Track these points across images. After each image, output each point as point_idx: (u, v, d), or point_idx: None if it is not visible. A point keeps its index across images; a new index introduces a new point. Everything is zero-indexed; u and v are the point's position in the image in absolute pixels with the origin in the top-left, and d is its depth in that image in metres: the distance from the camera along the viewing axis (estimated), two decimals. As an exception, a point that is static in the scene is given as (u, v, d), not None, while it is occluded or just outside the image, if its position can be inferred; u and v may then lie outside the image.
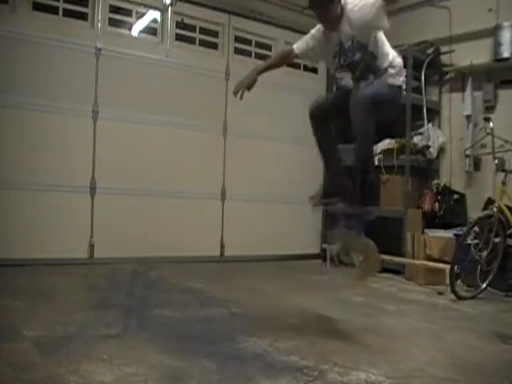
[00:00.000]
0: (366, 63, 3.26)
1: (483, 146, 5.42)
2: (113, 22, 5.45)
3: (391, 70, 3.29)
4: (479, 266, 4.56)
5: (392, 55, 3.31)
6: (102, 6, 5.30)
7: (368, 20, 3.13)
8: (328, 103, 3.61)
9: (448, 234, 5.25)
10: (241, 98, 3.41)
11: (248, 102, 6.13)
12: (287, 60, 3.73)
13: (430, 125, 5.95)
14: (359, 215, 3.20)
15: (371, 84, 3.22)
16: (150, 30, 5.72)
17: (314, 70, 6.91)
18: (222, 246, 6.07)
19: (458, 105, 5.95)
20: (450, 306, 4.21)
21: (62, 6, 5.14)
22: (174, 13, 5.67)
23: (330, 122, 3.53)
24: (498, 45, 5.46)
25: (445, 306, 4.20)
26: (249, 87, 3.43)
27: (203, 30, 6.02)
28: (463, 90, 5.91)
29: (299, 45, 3.46)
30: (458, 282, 4.65)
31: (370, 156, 3.34)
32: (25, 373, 2.19)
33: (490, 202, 4.99)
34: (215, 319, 3.34)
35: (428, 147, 5.84)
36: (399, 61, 3.34)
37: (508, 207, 4.60)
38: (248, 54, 6.38)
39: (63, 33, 5.09)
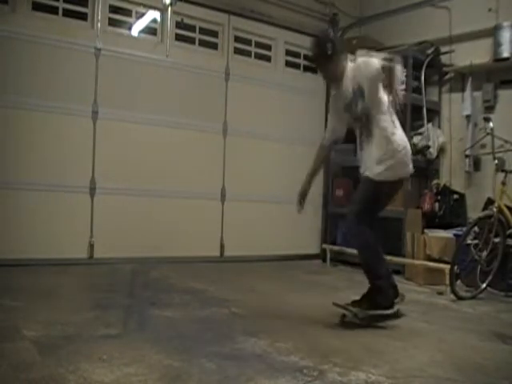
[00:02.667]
0: (367, 116, 3.31)
1: (483, 146, 5.43)
2: (112, 22, 5.45)
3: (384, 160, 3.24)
4: (479, 266, 4.57)
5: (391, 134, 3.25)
6: (101, 6, 5.30)
7: (365, 84, 3.23)
8: None
9: (448, 234, 5.25)
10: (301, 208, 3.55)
11: (248, 102, 6.24)
12: (326, 155, 3.73)
13: (430, 125, 5.95)
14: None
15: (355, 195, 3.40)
16: (149, 30, 5.71)
17: (314, 70, 6.90)
18: (222, 246, 6.07)
19: (458, 105, 5.95)
20: (450, 306, 4.21)
21: (61, 5, 5.14)
22: (174, 13, 5.66)
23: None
24: (497, 45, 5.45)
25: (445, 306, 4.20)
26: (304, 196, 3.55)
27: (203, 30, 6.02)
28: (463, 90, 5.91)
29: (325, 135, 3.60)
30: (458, 282, 4.65)
31: (371, 266, 3.34)
32: (25, 373, 2.19)
33: (489, 202, 4.99)
34: (215, 319, 3.34)
35: (428, 147, 5.84)
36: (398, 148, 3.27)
37: (508, 207, 4.60)
38: (248, 54, 6.38)
39: (63, 33, 5.09)
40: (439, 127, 6.17)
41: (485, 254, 4.53)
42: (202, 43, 6.03)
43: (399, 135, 3.32)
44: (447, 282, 4.47)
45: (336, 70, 3.32)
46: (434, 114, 6.14)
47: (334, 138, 3.60)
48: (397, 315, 3.32)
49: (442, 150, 6.09)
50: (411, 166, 3.37)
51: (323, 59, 3.30)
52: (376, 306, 3.25)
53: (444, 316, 3.83)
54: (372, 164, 3.28)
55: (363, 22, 7.02)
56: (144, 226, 5.49)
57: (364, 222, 3.27)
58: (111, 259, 5.22)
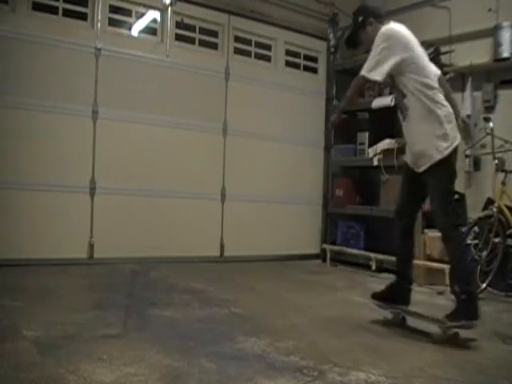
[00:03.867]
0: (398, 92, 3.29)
1: (483, 146, 5.42)
2: (112, 22, 5.45)
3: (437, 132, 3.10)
4: (479, 266, 4.57)
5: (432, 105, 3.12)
6: (101, 6, 5.30)
7: None
8: (403, 205, 3.48)
9: (448, 234, 5.24)
10: None
11: (248, 102, 6.24)
12: None
13: (430, 125, 5.94)
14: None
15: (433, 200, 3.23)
16: (149, 30, 5.72)
17: (314, 70, 6.92)
18: (222, 246, 6.07)
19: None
20: (450, 306, 4.19)
21: (61, 5, 5.14)
22: (174, 13, 5.67)
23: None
24: (497, 45, 5.46)
25: (445, 306, 4.19)
26: None
27: (203, 30, 6.02)
28: (463, 90, 5.91)
29: None
30: (458, 282, 4.64)
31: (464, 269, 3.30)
32: (25, 373, 2.19)
33: (489, 202, 4.99)
34: (215, 319, 3.34)
35: (428, 147, 5.83)
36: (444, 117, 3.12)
37: (508, 207, 4.60)
38: (248, 54, 6.38)
39: (63, 33, 5.09)
40: (439, 127, 6.16)
41: (485, 254, 4.53)
42: (202, 43, 6.03)
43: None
44: (447, 282, 4.47)
45: (368, 38, 3.37)
46: (433, 114, 6.13)
47: None
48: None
49: (442, 149, 6.08)
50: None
51: (355, 27, 3.45)
52: (469, 316, 3.07)
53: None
54: (429, 143, 3.14)
55: (363, 21, 7.00)
56: (144, 225, 5.49)
57: (456, 223, 3.27)
58: (111, 259, 5.22)
